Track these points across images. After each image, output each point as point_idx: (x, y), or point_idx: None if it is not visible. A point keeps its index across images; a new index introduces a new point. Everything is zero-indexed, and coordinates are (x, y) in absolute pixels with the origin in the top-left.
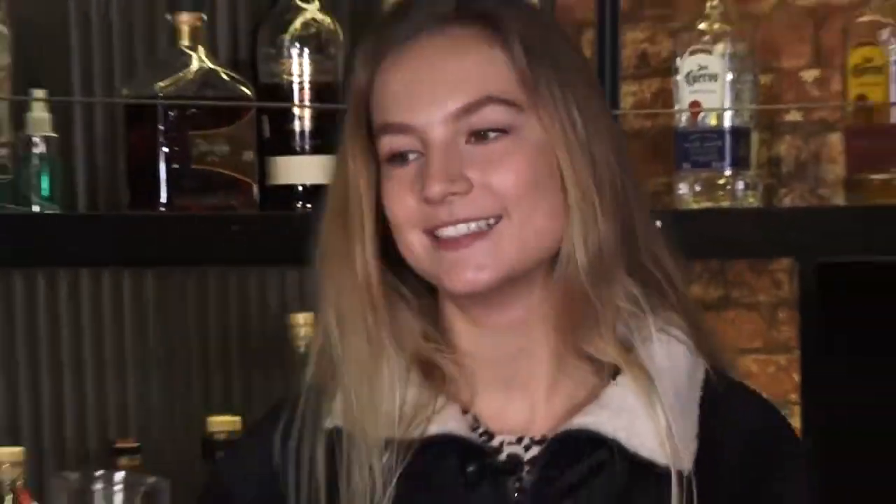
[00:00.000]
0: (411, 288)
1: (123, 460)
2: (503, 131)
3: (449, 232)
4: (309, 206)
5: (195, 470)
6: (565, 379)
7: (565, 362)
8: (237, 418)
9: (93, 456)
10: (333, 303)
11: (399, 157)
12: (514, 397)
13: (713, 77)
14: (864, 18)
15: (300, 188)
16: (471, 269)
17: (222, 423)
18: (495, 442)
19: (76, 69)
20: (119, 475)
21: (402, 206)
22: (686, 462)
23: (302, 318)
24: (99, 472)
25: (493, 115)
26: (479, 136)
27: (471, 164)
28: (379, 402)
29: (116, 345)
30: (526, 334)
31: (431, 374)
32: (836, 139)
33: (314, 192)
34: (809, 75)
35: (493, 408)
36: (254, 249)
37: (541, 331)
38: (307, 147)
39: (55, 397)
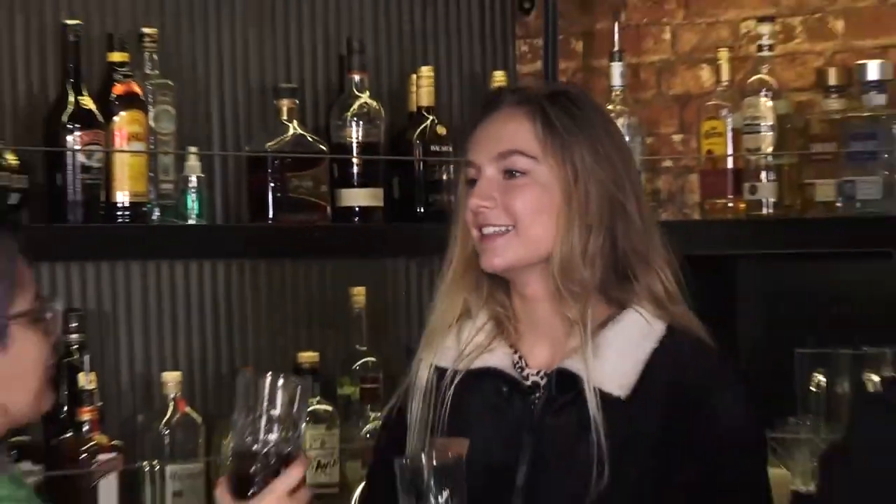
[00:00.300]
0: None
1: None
2: (524, 173)
3: (486, 231)
4: (360, 220)
5: None
6: (565, 334)
7: (565, 324)
8: (316, 353)
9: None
10: (444, 273)
11: (471, 182)
12: (539, 344)
13: None
14: (711, 102)
15: (357, 208)
16: (493, 256)
17: (307, 356)
18: (525, 373)
19: (217, 131)
20: (280, 375)
21: (468, 212)
22: (620, 390)
23: (356, 291)
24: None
25: (518, 161)
26: (509, 173)
27: (500, 191)
28: (452, 337)
29: (242, 308)
30: (542, 305)
31: (501, 325)
32: (694, 178)
33: (364, 210)
34: (677, 137)
35: (528, 350)
36: (328, 248)
37: (549, 303)
38: (358, 183)
39: (203, 339)
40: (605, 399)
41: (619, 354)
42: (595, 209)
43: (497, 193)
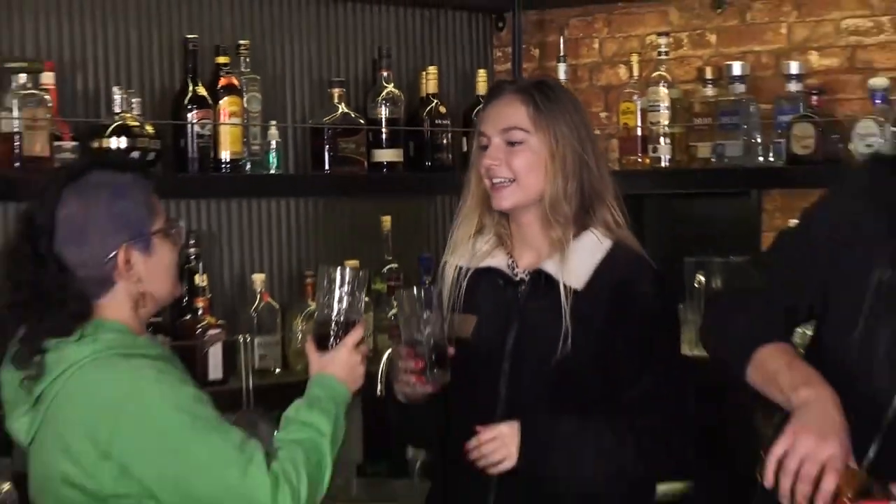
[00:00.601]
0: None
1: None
2: (521, 142)
3: (495, 181)
4: (387, 170)
5: None
6: (545, 247)
7: (546, 241)
8: (356, 261)
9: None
10: (462, 204)
11: (483, 147)
12: (526, 254)
13: None
14: (626, 90)
15: (385, 163)
16: (501, 200)
17: (351, 263)
18: (516, 272)
19: (289, 110)
20: (347, 268)
21: (482, 167)
22: (578, 284)
23: (385, 219)
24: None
25: (516, 134)
26: (510, 143)
27: (504, 154)
28: (468, 247)
29: (306, 231)
30: (532, 229)
31: (502, 240)
32: (615, 142)
33: (390, 164)
34: (603, 115)
35: (518, 257)
36: (365, 189)
37: (537, 227)
38: (386, 145)
39: (280, 251)
40: (569, 290)
41: (579, 260)
42: (570, 164)
43: (502, 155)
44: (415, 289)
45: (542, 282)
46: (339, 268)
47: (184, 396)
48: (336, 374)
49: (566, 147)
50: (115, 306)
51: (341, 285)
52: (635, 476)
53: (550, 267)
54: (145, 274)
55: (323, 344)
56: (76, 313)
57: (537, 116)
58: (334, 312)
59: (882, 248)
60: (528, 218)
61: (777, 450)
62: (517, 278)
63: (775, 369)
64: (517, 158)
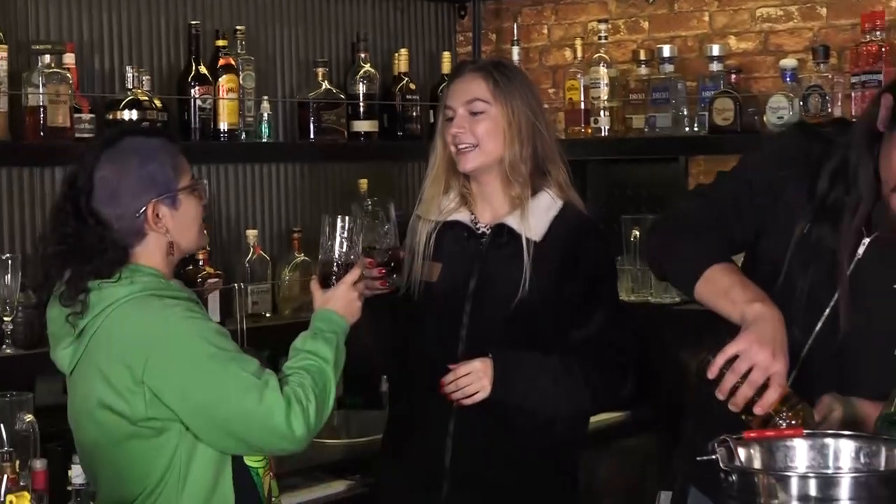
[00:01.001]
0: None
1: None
2: (482, 112)
3: (460, 147)
4: (364, 139)
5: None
6: (503, 205)
7: (505, 199)
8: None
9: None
10: (427, 170)
11: (449, 119)
12: (486, 211)
13: None
14: (571, 70)
15: (362, 132)
16: (466, 163)
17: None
18: (478, 226)
19: (279, 87)
20: (347, 217)
21: (448, 137)
22: (537, 237)
23: (362, 182)
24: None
25: (478, 105)
26: (473, 113)
27: (468, 123)
28: (435, 205)
29: (294, 191)
30: (492, 188)
31: (465, 199)
32: (561, 114)
33: (367, 134)
34: (552, 91)
35: (479, 213)
36: (345, 156)
37: (499, 185)
38: (363, 117)
39: (271, 209)
40: (530, 242)
41: (536, 217)
42: (524, 132)
43: (466, 124)
44: (333, 216)
45: (505, 234)
46: (339, 216)
47: (207, 331)
48: (336, 309)
49: (521, 116)
50: (148, 254)
51: (342, 232)
52: (584, 406)
53: (512, 221)
54: (172, 226)
55: (326, 282)
56: (114, 259)
57: (496, 90)
58: (336, 255)
59: (803, 210)
60: (488, 178)
61: (730, 349)
62: (479, 231)
63: (729, 284)
64: (479, 126)
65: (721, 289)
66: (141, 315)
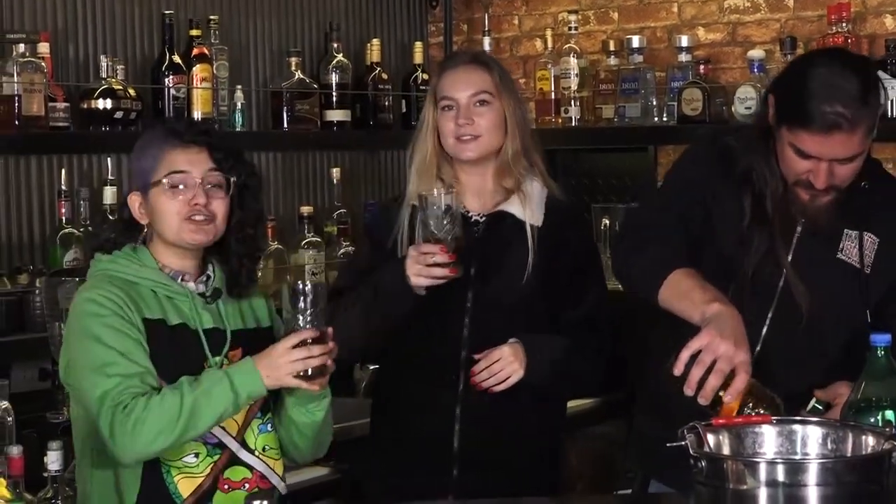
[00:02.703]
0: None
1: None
2: (487, 103)
3: (463, 137)
4: (336, 129)
5: None
6: (500, 194)
7: (496, 187)
8: (311, 206)
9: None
10: (415, 160)
11: (447, 108)
12: (475, 199)
13: None
14: (542, 60)
15: (335, 121)
16: (468, 151)
17: (306, 209)
18: (470, 214)
19: (253, 76)
20: (307, 283)
21: (448, 127)
22: (538, 222)
23: (335, 169)
24: None
25: (483, 96)
26: (478, 104)
27: (474, 114)
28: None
29: (268, 178)
30: (486, 177)
31: (453, 187)
32: (532, 104)
33: (339, 123)
34: (522, 81)
35: (469, 203)
36: (318, 144)
37: (494, 174)
38: (336, 106)
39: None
40: (533, 228)
41: (535, 203)
42: (518, 125)
43: (472, 116)
44: (443, 199)
45: (506, 221)
46: (299, 282)
47: (98, 317)
48: (256, 361)
49: (517, 110)
50: (151, 240)
51: (304, 299)
52: (592, 385)
53: (513, 209)
54: (151, 217)
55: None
56: (116, 240)
57: (501, 83)
58: (299, 321)
59: (741, 210)
60: (483, 169)
61: (693, 344)
62: (472, 220)
63: (690, 287)
64: (484, 118)
65: (681, 292)
66: (78, 290)
